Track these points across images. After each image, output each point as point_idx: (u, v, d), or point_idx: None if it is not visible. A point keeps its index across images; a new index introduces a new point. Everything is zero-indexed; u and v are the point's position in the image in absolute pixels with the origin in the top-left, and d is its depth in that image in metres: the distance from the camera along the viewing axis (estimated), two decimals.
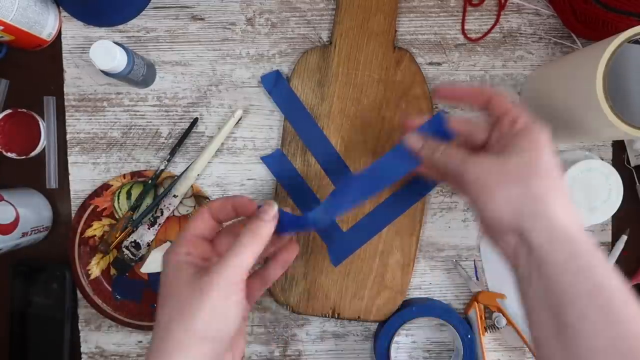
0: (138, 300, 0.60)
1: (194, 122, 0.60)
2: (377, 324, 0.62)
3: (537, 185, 0.37)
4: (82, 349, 0.61)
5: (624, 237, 0.60)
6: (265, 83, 0.59)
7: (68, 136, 0.61)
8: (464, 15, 0.60)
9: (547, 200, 0.37)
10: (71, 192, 0.61)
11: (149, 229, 0.60)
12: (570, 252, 0.35)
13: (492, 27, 0.60)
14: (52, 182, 0.60)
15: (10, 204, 0.55)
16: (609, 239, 0.61)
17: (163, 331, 0.34)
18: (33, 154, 0.59)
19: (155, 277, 0.61)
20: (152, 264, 0.60)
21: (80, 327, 0.61)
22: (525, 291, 0.37)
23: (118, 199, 0.60)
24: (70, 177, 0.61)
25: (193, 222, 0.39)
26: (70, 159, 0.61)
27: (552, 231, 0.35)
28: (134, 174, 0.60)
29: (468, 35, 0.61)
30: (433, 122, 0.44)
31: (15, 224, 0.55)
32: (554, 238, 0.35)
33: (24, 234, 0.56)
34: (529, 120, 0.41)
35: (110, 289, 0.60)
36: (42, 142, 0.60)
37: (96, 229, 0.60)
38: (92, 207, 0.60)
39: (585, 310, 0.32)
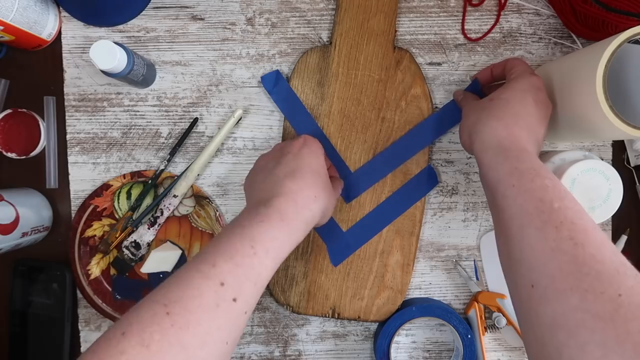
0: (138, 300, 0.60)
1: (194, 122, 0.60)
2: (377, 324, 0.62)
3: (486, 115, 0.49)
4: (82, 349, 0.61)
5: (624, 237, 0.60)
6: (265, 83, 0.59)
7: (68, 136, 0.61)
8: (464, 15, 0.60)
9: (485, 121, 0.48)
10: (71, 192, 0.61)
11: (149, 229, 0.60)
12: (496, 153, 0.45)
13: (492, 27, 0.60)
14: (52, 182, 0.60)
15: (10, 204, 0.55)
16: (609, 239, 0.61)
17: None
18: (33, 154, 0.59)
19: (155, 277, 0.61)
20: (152, 264, 0.60)
21: (80, 327, 0.61)
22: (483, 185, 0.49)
23: (118, 199, 0.60)
24: (70, 177, 0.61)
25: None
26: (70, 159, 0.61)
27: (483, 142, 0.47)
28: (134, 174, 0.60)
29: (468, 35, 0.61)
30: (472, 85, 0.59)
31: (15, 224, 0.55)
32: (485, 147, 0.47)
33: (24, 234, 0.56)
34: (520, 70, 0.52)
35: (110, 289, 0.60)
36: (42, 142, 0.60)
37: (96, 229, 0.60)
38: (92, 207, 0.60)
39: (504, 186, 0.43)
